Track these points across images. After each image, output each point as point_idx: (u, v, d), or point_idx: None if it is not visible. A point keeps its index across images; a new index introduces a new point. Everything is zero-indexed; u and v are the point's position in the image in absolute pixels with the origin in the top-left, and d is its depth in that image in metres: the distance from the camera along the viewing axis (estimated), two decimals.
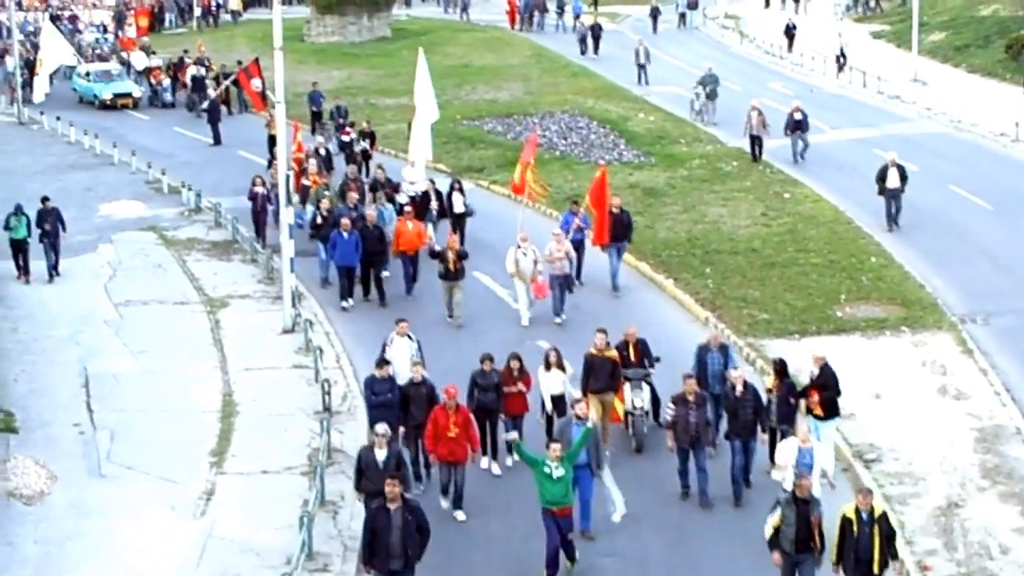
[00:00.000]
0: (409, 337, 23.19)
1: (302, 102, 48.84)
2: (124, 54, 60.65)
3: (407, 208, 31.77)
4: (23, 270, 32.35)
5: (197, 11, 77.82)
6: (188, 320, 29.50)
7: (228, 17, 79.22)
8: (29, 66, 55.60)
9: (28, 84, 52.80)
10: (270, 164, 36.59)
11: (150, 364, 26.85)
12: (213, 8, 78.91)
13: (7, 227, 32.24)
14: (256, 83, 45.94)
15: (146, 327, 29.00)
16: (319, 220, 31.34)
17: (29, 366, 26.76)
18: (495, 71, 59.99)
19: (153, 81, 55.91)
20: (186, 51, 58.23)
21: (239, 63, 51.10)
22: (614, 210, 30.21)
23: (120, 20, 70.05)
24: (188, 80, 53.87)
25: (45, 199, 32.97)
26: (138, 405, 24.77)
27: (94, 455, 22.71)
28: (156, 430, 23.72)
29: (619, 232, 30.34)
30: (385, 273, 30.90)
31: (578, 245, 30.29)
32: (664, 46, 65.77)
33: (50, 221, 32.43)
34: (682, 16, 75.42)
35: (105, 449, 22.92)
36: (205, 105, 48.62)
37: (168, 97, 55.04)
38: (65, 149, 47.57)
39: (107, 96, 54.76)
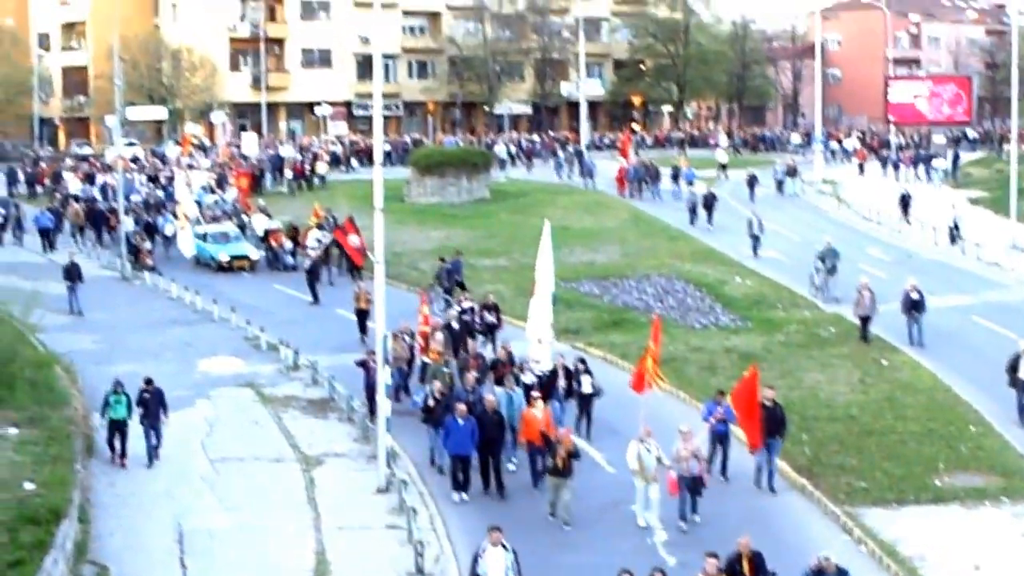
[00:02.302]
0: (504, 547, 21.33)
1: (404, 262, 49.39)
2: (245, 216, 60.48)
3: (534, 393, 29.29)
4: (120, 453, 30.39)
5: (288, 173, 78.13)
6: (283, 477, 29.57)
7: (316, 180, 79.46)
8: (147, 228, 56.80)
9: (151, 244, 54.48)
10: (395, 336, 34.80)
11: (244, 521, 26.88)
12: (306, 171, 79.32)
13: (105, 404, 30.52)
14: (353, 239, 46.61)
15: (241, 484, 29.10)
16: (431, 402, 29.43)
17: (125, 520, 26.88)
18: (593, 234, 60.40)
19: (274, 244, 55.47)
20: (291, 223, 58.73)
21: (335, 222, 52.02)
22: (767, 403, 28.02)
23: (221, 182, 70.42)
24: (310, 243, 52.48)
25: (148, 381, 30.86)
26: (232, 562, 24.79)
27: None
28: None
29: (773, 427, 28.13)
30: (510, 466, 29.15)
31: (722, 438, 28.63)
32: (762, 211, 65.87)
33: (152, 403, 30.44)
34: (780, 184, 75.32)
35: None
36: (307, 265, 49.01)
37: (289, 260, 54.22)
38: (166, 305, 48.28)
39: (224, 258, 54.59)
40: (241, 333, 42.98)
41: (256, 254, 55.49)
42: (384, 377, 28.86)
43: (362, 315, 41.07)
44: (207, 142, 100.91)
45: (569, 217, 65.23)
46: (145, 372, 34.52)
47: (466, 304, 39.45)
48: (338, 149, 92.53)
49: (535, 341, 33.79)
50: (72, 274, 46.47)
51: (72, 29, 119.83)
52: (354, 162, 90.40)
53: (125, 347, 40.83)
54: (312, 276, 48.31)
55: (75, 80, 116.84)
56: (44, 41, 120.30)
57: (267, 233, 56.77)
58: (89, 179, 72.78)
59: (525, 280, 48.87)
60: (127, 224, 56.14)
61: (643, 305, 45.99)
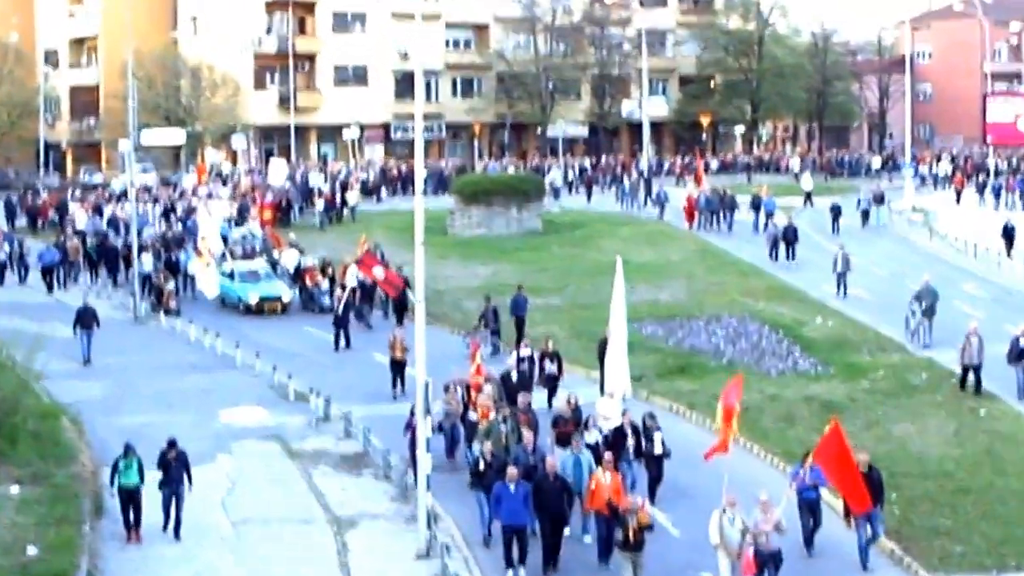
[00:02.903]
0: None
1: (446, 301, 49.48)
2: (275, 252, 60.38)
3: (607, 456, 28.48)
4: (134, 527, 29.17)
5: (319, 205, 77.98)
6: (312, 541, 29.56)
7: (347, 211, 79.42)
8: (168, 266, 56.98)
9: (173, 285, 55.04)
10: (447, 388, 34.54)
11: None
12: (337, 201, 79.37)
13: (114, 471, 29.40)
14: (378, 272, 46.75)
15: (266, 548, 29.07)
16: (481, 465, 28.98)
17: None
18: (655, 269, 60.37)
19: (309, 283, 55.34)
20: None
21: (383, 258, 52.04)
22: (862, 468, 27.06)
23: (243, 213, 70.51)
24: (349, 283, 51.32)
25: (172, 443, 29.82)
26: None
27: None
28: None
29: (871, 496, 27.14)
30: (586, 538, 28.45)
31: (812, 505, 28.07)
32: (845, 245, 65.62)
33: (175, 469, 29.54)
34: (865, 213, 74.92)
35: None
36: (338, 305, 48.90)
37: (326, 301, 53.33)
38: (184, 349, 48.52)
39: (253, 299, 54.52)
40: (266, 380, 43.12)
41: (288, 294, 55.46)
42: (425, 429, 28.79)
43: (397, 367, 40.94)
44: (230, 168, 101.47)
45: (630, 250, 64.83)
46: (160, 423, 34.74)
47: (524, 352, 38.84)
48: (368, 176, 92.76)
49: (607, 395, 33.61)
50: (86, 319, 46.35)
51: (82, 45, 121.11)
52: (383, 191, 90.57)
53: (138, 396, 41.07)
54: (342, 319, 48.14)
55: (84, 101, 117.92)
56: (51, 58, 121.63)
57: (300, 270, 56.81)
58: (97, 211, 73.09)
59: (580, 320, 49.12)
60: (145, 262, 56.52)
61: (712, 348, 45.89)
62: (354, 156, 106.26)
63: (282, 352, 46.31)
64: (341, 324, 48.11)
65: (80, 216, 71.16)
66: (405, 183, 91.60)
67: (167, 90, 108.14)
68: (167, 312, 53.43)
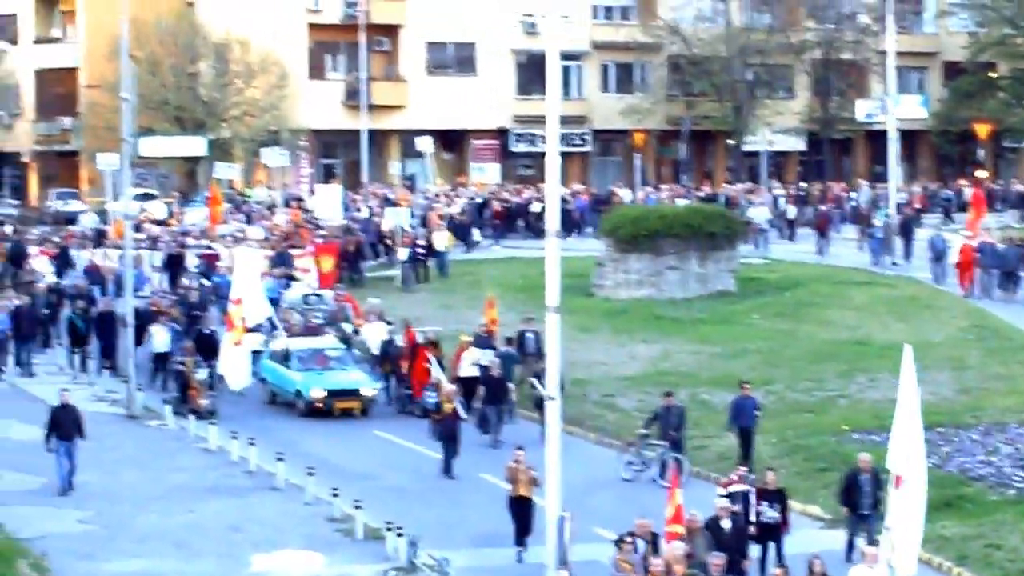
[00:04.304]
0: None
1: (591, 397, 49.51)
2: (351, 325, 60.64)
3: None
4: None
5: (403, 252, 77.14)
6: None
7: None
8: (200, 343, 56.55)
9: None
10: (620, 542, 33.55)
11: None
12: (422, 249, 78.64)
13: None
14: (435, 372, 46.75)
15: None
16: None
17: None
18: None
19: (403, 370, 54.99)
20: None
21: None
22: None
23: (284, 262, 70.85)
24: (463, 371, 51.45)
25: None
26: None
27: None
28: None
29: None
30: None
31: None
32: None
33: None
34: None
35: None
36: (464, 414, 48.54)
37: (431, 398, 51.95)
38: (200, 461, 48.85)
39: (318, 394, 54.31)
40: (322, 511, 43.15)
41: (372, 388, 55.50)
42: None
43: (521, 507, 39.73)
44: (267, 195, 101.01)
45: (868, 324, 64.85)
46: (165, 573, 34.78)
47: (737, 486, 38.27)
48: (455, 209, 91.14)
49: (869, 558, 32.59)
50: (65, 426, 45.20)
51: (52, 8, 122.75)
52: (474, 232, 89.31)
53: (132, 531, 41.23)
54: (450, 427, 47.21)
55: (56, 92, 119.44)
56: (7, 28, 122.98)
57: (390, 353, 56.47)
58: (62, 258, 73.32)
59: (797, 430, 48.82)
60: (158, 337, 57.16)
61: (994, 473, 45.44)
62: (446, 178, 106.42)
63: (346, 471, 46.51)
64: (452, 435, 47.20)
65: (42, 265, 71.79)
66: (513, 219, 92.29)
67: (180, 77, 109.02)
68: (198, 414, 53.11)
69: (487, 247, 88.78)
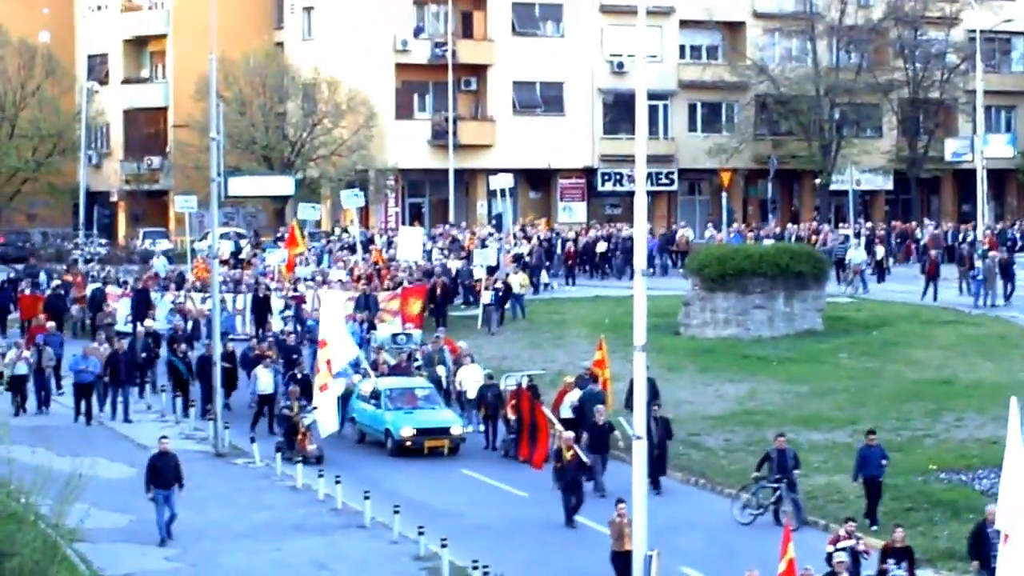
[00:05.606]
0: None
1: (679, 437, 49.31)
2: (444, 367, 60.10)
3: None
4: None
5: (487, 295, 76.31)
6: None
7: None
8: (303, 387, 56.29)
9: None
10: None
11: None
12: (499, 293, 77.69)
13: None
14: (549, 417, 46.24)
15: None
16: None
17: None
18: (996, 391, 59.25)
19: (511, 414, 53.99)
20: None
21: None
22: None
23: (368, 304, 70.63)
24: (564, 413, 50.91)
25: None
26: None
27: None
28: None
29: None
30: None
31: None
32: None
33: None
34: None
35: None
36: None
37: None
38: (287, 499, 48.88)
39: (407, 433, 54.16)
40: (408, 549, 43.09)
41: (460, 426, 55.33)
42: None
43: (627, 561, 39.42)
44: (353, 234, 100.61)
45: (954, 363, 64.42)
46: None
47: (845, 543, 37.24)
48: (524, 249, 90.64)
49: None
50: (164, 474, 44.70)
51: (142, 48, 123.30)
52: (543, 275, 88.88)
53: (218, 569, 41.34)
54: (572, 476, 45.73)
55: (145, 131, 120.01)
56: (97, 68, 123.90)
57: (486, 396, 55.86)
58: (142, 301, 73.45)
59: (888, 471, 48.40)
60: (262, 380, 57.19)
61: None
62: (535, 217, 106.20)
63: (433, 509, 46.44)
64: (575, 484, 45.75)
65: (122, 307, 72.01)
66: (587, 260, 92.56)
67: (268, 117, 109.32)
68: (305, 460, 52.39)
69: (555, 290, 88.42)
